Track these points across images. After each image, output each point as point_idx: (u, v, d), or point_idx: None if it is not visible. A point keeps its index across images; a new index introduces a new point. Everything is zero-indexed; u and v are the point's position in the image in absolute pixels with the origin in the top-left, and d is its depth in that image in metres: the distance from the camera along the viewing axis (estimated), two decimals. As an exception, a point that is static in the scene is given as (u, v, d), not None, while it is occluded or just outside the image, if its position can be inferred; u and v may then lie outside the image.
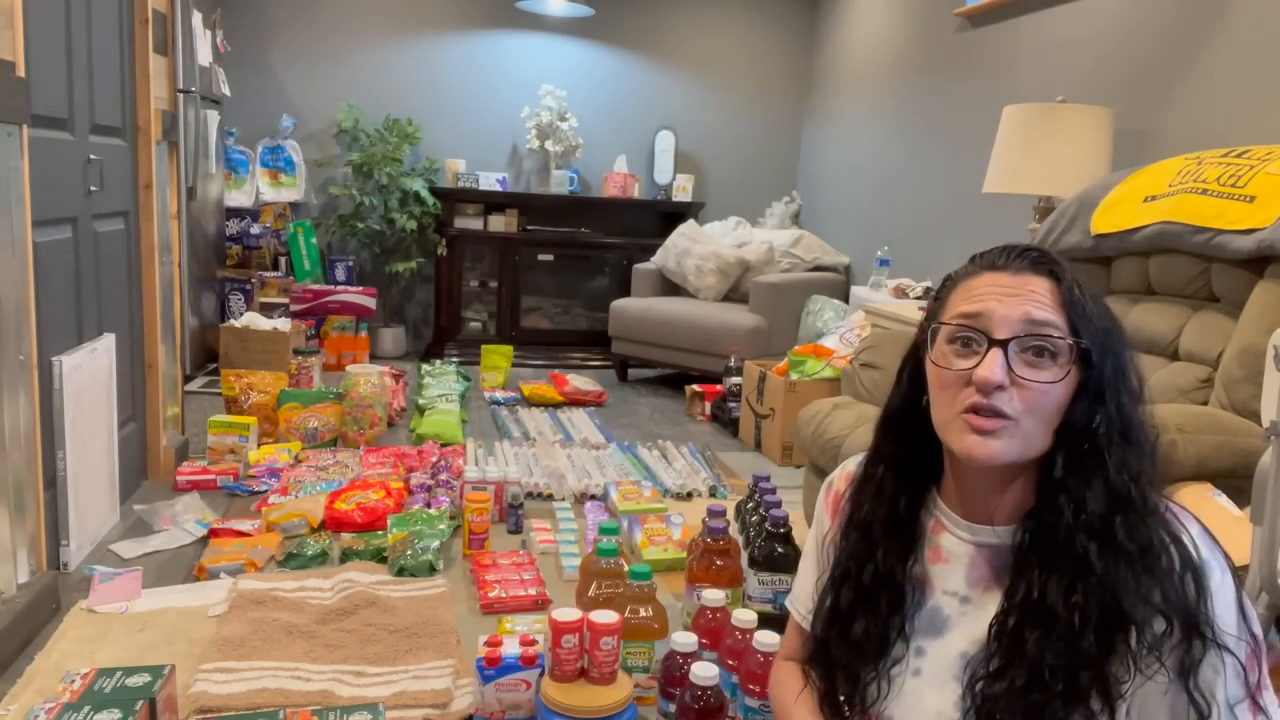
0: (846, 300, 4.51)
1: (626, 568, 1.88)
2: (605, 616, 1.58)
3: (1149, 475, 0.88)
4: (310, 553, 2.32)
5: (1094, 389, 0.87)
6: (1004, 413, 0.86)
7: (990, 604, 0.92)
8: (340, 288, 4.67)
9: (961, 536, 0.96)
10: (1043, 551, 0.88)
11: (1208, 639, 0.83)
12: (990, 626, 0.90)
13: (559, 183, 5.22)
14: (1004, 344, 0.87)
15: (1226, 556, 0.88)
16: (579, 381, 4.38)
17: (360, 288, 4.71)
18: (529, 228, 5.16)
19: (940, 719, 0.92)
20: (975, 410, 0.87)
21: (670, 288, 4.91)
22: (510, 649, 1.63)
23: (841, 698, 1.01)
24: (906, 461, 0.99)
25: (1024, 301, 0.88)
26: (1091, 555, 0.85)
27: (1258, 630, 0.87)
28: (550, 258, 5.24)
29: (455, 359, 4.87)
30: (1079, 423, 0.87)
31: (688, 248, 4.76)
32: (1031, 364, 0.87)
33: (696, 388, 4.21)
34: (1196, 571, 0.85)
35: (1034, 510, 0.90)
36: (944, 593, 0.96)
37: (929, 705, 0.94)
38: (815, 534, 1.14)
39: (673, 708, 1.61)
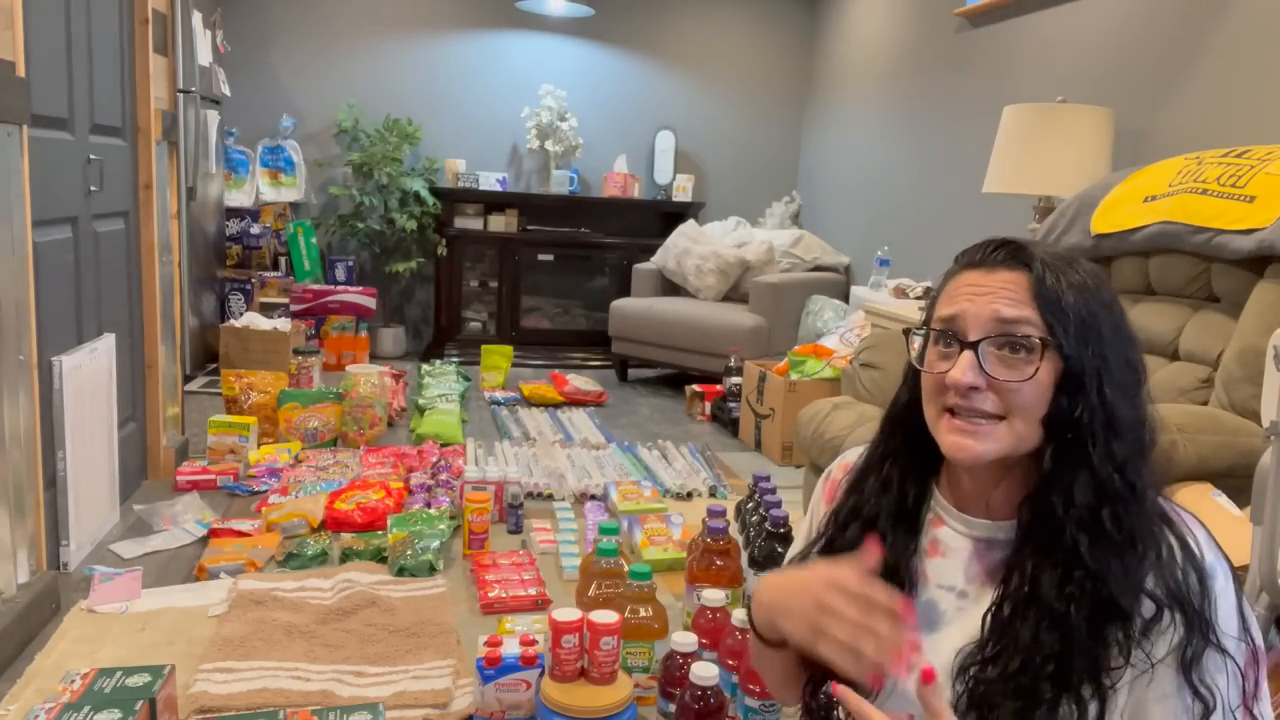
0: (846, 300, 4.51)
1: (626, 568, 1.88)
2: (605, 616, 1.58)
3: (1138, 464, 0.87)
4: (310, 553, 2.32)
5: (1074, 380, 0.86)
6: (986, 412, 0.87)
7: (986, 599, 0.92)
8: (340, 288, 4.67)
9: (960, 530, 0.96)
10: (1036, 544, 0.88)
11: (1209, 637, 0.83)
12: (984, 617, 0.90)
13: (559, 183, 5.22)
14: (974, 345, 0.87)
15: (1229, 562, 0.88)
16: (579, 381, 4.38)
17: (360, 288, 4.71)
18: (529, 228, 5.16)
19: None
20: (954, 411, 0.88)
21: (670, 288, 4.91)
22: (510, 649, 1.63)
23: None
24: (912, 456, 0.99)
25: (994, 299, 0.87)
26: (1082, 547, 0.85)
27: (1258, 638, 0.87)
28: (550, 258, 5.24)
29: (455, 359, 4.87)
30: (1062, 414, 0.87)
31: (688, 248, 4.76)
32: (1005, 361, 0.87)
33: (696, 388, 4.20)
34: (1202, 573, 0.85)
35: (1027, 504, 0.90)
36: (939, 587, 0.96)
37: None
38: (809, 519, 1.14)
39: (673, 708, 1.61)
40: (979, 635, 0.90)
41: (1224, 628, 0.84)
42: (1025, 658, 0.85)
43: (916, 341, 0.94)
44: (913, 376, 0.99)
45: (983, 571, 0.94)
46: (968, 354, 0.87)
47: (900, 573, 0.97)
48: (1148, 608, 0.83)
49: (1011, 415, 0.87)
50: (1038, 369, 0.86)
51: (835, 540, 1.02)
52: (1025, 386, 0.86)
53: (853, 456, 1.10)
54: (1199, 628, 0.83)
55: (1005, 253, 0.90)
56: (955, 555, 0.96)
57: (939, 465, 0.99)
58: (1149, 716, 0.84)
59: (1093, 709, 0.83)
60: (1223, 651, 0.83)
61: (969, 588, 0.94)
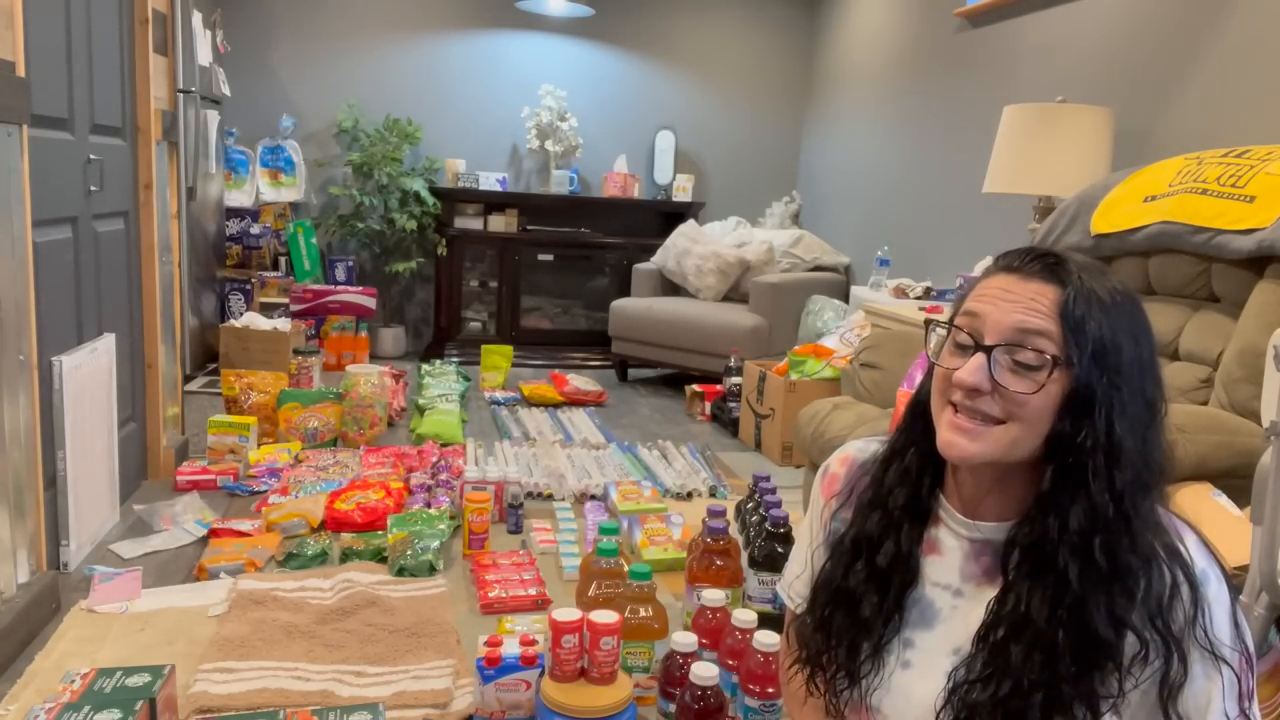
0: (846, 300, 4.51)
1: (626, 568, 1.88)
2: (605, 616, 1.58)
3: (1136, 497, 0.86)
4: (310, 553, 2.32)
5: (1082, 403, 0.86)
6: (988, 414, 0.88)
7: (981, 600, 0.92)
8: (340, 288, 4.67)
9: (956, 530, 0.97)
10: (1029, 563, 0.88)
11: (1204, 653, 0.83)
12: (976, 634, 0.90)
13: (559, 183, 5.22)
14: (989, 349, 0.87)
15: (1222, 566, 0.89)
16: (579, 381, 4.38)
17: (360, 288, 4.71)
18: (529, 228, 5.16)
19: (927, 712, 0.93)
20: (956, 408, 0.89)
21: (670, 288, 4.91)
22: (510, 649, 1.63)
23: (834, 668, 1.01)
24: (931, 446, 0.98)
25: (1021, 309, 0.87)
26: (1071, 573, 0.85)
27: (1249, 641, 0.88)
28: (550, 258, 5.24)
29: (455, 359, 4.87)
30: (1066, 435, 0.87)
31: (688, 248, 4.76)
32: (1014, 371, 0.87)
33: (696, 388, 4.20)
34: (1194, 582, 0.85)
35: (1025, 519, 0.90)
36: (934, 585, 0.97)
37: (916, 697, 0.95)
38: (810, 515, 1.14)
39: (673, 708, 1.61)
40: (970, 647, 0.91)
41: (1219, 636, 0.84)
42: (1015, 681, 0.85)
43: (938, 333, 0.94)
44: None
45: (978, 572, 0.95)
46: (979, 356, 0.88)
47: (908, 563, 0.97)
48: (1132, 643, 0.84)
49: (1011, 421, 0.87)
50: (1044, 385, 0.86)
51: (859, 531, 1.01)
52: (1030, 399, 0.86)
53: (852, 450, 1.10)
54: (1179, 652, 0.83)
55: (1043, 264, 0.89)
56: (950, 555, 0.97)
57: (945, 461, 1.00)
58: None
59: None
60: (1219, 660, 0.84)
61: (964, 587, 0.95)
